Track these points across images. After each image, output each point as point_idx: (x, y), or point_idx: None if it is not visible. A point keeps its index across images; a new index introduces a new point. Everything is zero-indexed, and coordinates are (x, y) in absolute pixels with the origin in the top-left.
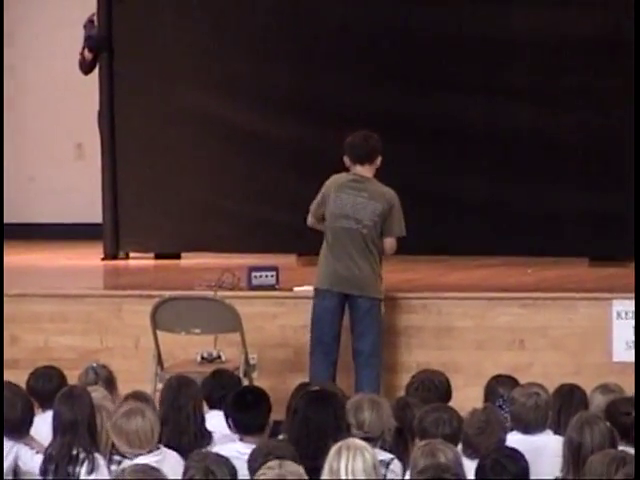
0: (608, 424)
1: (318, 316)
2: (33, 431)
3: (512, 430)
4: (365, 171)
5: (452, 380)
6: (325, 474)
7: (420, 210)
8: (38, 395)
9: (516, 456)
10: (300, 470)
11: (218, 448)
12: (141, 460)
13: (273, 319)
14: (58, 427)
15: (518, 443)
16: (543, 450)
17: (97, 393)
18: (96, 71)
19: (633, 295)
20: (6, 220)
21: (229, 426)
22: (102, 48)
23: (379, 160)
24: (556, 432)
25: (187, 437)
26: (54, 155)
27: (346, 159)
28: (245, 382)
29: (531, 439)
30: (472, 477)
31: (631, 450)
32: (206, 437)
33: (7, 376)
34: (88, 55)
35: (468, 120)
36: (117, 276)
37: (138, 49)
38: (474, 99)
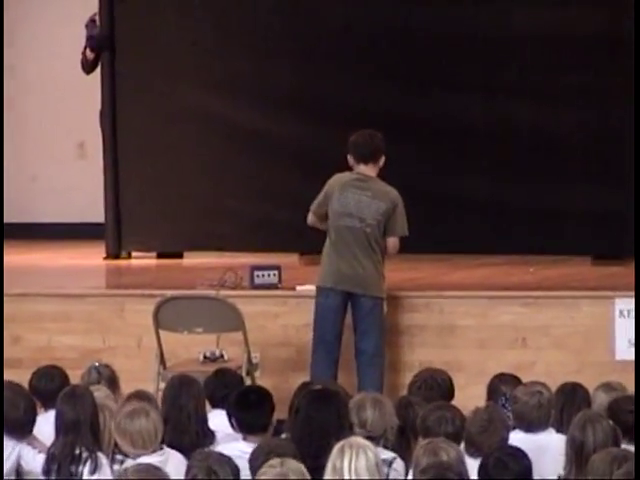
0: (611, 422)
1: (321, 314)
2: (36, 431)
3: (515, 429)
4: (369, 170)
5: (455, 379)
6: (328, 473)
7: (420, 209)
8: (41, 395)
9: (519, 455)
10: (302, 468)
11: (221, 447)
12: (144, 460)
13: (275, 318)
14: (61, 427)
15: (521, 442)
16: (546, 449)
17: (100, 392)
18: (98, 70)
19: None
20: (8, 220)
21: (232, 425)
22: (104, 47)
23: (383, 160)
24: (559, 431)
25: (188, 436)
26: (56, 154)
27: (350, 158)
28: (247, 381)
29: (534, 438)
30: (475, 476)
31: (634, 448)
32: (208, 436)
33: (9, 376)
34: (90, 54)
35: (468, 119)
36: (119, 275)
37: (140, 48)
38: (474, 98)
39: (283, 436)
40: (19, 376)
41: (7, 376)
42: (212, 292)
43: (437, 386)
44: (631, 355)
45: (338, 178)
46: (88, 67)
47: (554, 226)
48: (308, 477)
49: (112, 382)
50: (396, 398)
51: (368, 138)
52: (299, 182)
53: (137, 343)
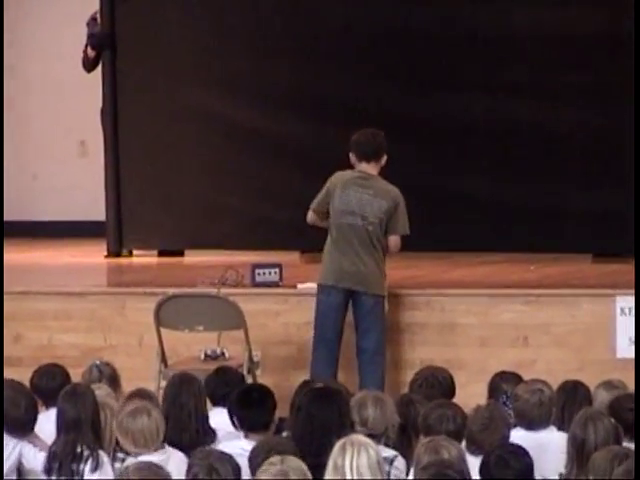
0: (612, 420)
1: (322, 312)
2: (37, 429)
3: (516, 426)
4: (370, 168)
5: (456, 377)
6: (329, 470)
7: (421, 208)
8: (42, 393)
9: (520, 452)
10: (302, 466)
11: (222, 445)
12: (145, 459)
13: (276, 316)
14: (62, 425)
15: (522, 439)
16: (547, 446)
17: (101, 391)
18: (99, 69)
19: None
20: (9, 218)
21: (234, 424)
22: (105, 46)
23: (385, 158)
24: (560, 428)
25: (189, 434)
26: (57, 153)
27: (352, 156)
28: (249, 379)
29: (535, 435)
30: (476, 474)
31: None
32: (209, 434)
33: (11, 374)
34: (91, 53)
35: (468, 118)
36: (120, 273)
37: (141, 47)
38: (474, 98)
39: (284, 434)
40: (20, 374)
41: (8, 374)
42: (213, 290)
43: (438, 384)
44: (632, 353)
45: (340, 176)
46: (89, 65)
47: (554, 224)
48: (309, 474)
49: (113, 380)
50: (397, 396)
51: (371, 137)
52: (300, 180)
53: (138, 341)
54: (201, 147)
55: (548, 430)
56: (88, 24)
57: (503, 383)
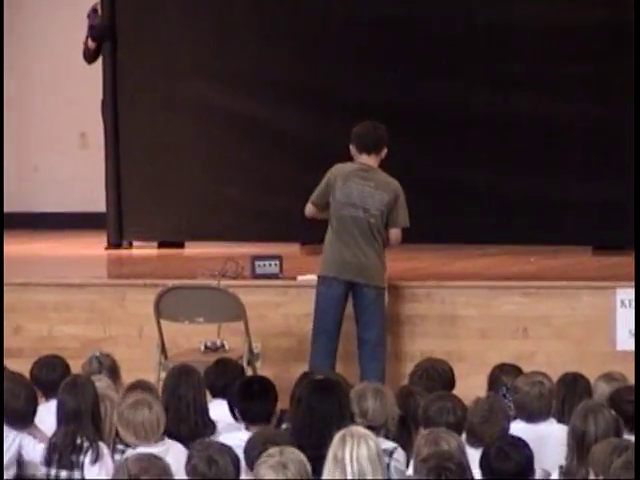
0: (613, 412)
1: (323, 304)
2: (37, 420)
3: (516, 419)
4: (371, 161)
5: (456, 369)
6: (329, 462)
7: (421, 200)
8: (42, 384)
9: (520, 445)
10: (301, 457)
11: (223, 437)
12: (145, 450)
13: (277, 308)
14: (62, 416)
15: (522, 432)
16: (547, 439)
17: (101, 382)
18: (100, 60)
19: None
20: (10, 209)
21: (234, 416)
22: (105, 37)
23: (385, 151)
24: (560, 421)
25: (187, 426)
26: (57, 144)
27: (352, 148)
28: (249, 371)
29: (535, 428)
30: (476, 466)
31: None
32: (209, 426)
33: (11, 365)
34: (91, 44)
35: (469, 111)
36: (120, 265)
37: (141, 38)
38: (474, 90)
39: (284, 426)
40: (20, 366)
41: (9, 366)
42: (213, 282)
43: (438, 376)
44: (632, 345)
45: (340, 168)
46: (89, 57)
47: (554, 217)
48: (307, 466)
49: (113, 372)
50: (397, 388)
51: (371, 129)
52: (300, 172)
53: (138, 333)
54: (201, 139)
55: (548, 422)
56: (89, 15)
57: (503, 375)
